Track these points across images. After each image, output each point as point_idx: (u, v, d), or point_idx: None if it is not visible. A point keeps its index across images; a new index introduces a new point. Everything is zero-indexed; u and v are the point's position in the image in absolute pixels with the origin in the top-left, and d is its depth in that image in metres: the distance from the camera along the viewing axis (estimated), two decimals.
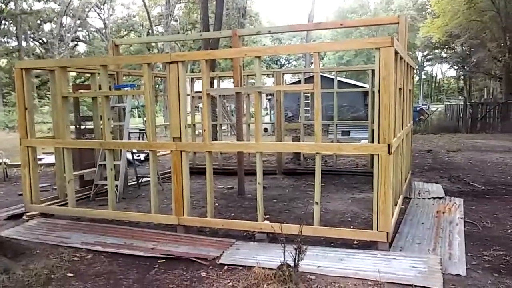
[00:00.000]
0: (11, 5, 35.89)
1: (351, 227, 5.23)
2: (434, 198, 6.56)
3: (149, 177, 7.31)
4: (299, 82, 21.77)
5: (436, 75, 64.72)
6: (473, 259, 4.15)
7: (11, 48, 38.58)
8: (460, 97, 42.26)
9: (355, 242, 4.65)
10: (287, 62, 57.88)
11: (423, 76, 56.92)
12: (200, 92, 9.46)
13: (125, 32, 43.78)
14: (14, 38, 38.10)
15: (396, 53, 4.53)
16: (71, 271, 4.11)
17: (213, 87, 9.36)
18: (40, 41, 40.19)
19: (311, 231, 4.59)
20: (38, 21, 38.19)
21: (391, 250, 4.36)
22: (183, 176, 5.08)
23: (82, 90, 7.59)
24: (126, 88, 7.34)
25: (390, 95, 4.26)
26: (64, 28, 37.84)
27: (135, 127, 10.87)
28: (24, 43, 37.61)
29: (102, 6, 41.79)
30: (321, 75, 4.89)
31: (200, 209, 6.23)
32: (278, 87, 8.54)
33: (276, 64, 54.62)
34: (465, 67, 37.48)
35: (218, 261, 4.22)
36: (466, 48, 33.87)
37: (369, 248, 4.44)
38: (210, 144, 5.13)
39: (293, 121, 20.19)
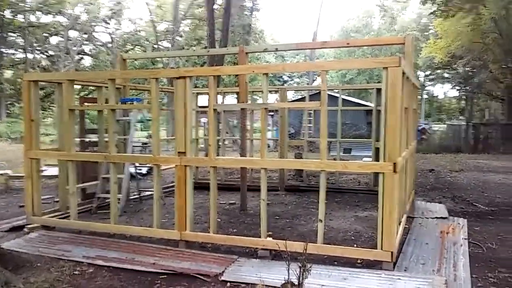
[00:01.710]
0: (19, 17, 36.40)
1: (355, 245, 5.19)
2: (437, 218, 6.52)
3: (150, 191, 7.29)
4: (302, 99, 21.89)
5: (438, 95, 64.99)
6: (479, 281, 4.11)
7: (17, 60, 38.98)
8: (461, 117, 42.35)
9: (358, 261, 4.61)
10: (289, 78, 58.23)
11: (425, 96, 57.17)
12: (203, 107, 9.55)
13: (131, 47, 44.19)
14: (20, 50, 38.52)
15: (403, 73, 4.57)
16: (72, 286, 4.07)
17: (217, 103, 9.41)
18: (46, 53, 40.59)
19: (315, 249, 4.55)
20: (45, 34, 38.66)
21: (395, 270, 4.32)
22: (187, 191, 5.07)
23: (88, 103, 7.63)
24: (132, 102, 7.37)
25: (397, 114, 4.28)
26: (71, 42, 38.27)
27: (138, 140, 10.90)
28: (30, 55, 38.00)
29: (109, 21, 42.31)
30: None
31: (202, 225, 6.20)
32: (283, 104, 8.59)
33: (279, 80, 54.93)
34: (467, 88, 37.66)
35: (220, 277, 4.18)
36: (468, 69, 34.09)
37: (373, 267, 4.40)
38: (215, 160, 5.14)
39: (296, 137, 20.21)
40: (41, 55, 40.75)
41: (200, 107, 9.91)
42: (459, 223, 6.20)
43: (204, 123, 15.93)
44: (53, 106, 28.69)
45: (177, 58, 32.01)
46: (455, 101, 57.09)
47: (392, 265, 4.33)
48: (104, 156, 5.89)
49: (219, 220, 6.40)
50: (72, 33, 39.03)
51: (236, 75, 7.72)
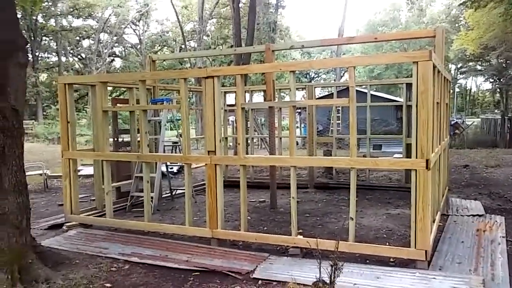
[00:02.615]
0: (52, 22, 37.66)
1: (387, 243, 5.11)
2: (473, 215, 6.33)
3: (182, 189, 7.40)
4: (330, 95, 21.70)
5: (471, 88, 63.02)
6: None
7: (51, 63, 40.39)
8: (496, 111, 40.87)
9: (391, 259, 4.55)
10: (316, 75, 57.77)
11: (457, 89, 55.53)
12: (231, 105, 9.62)
13: (159, 47, 44.99)
14: (54, 53, 39.90)
15: (434, 67, 4.47)
16: (109, 282, 4.21)
17: (245, 101, 9.46)
18: (79, 56, 41.89)
19: (346, 247, 4.52)
20: (77, 37, 39.88)
21: (430, 269, 4.23)
22: (217, 189, 5.13)
23: (120, 104, 7.83)
24: (162, 102, 7.52)
25: (428, 109, 4.19)
26: (102, 44, 39.33)
27: (168, 140, 11.09)
28: (63, 59, 39.29)
29: (137, 23, 43.21)
30: None
31: (232, 222, 6.27)
32: (311, 101, 8.54)
33: (306, 77, 54.59)
34: (501, 80, 36.34)
35: (252, 275, 4.22)
36: (502, 60, 32.88)
37: (407, 266, 4.34)
38: (244, 158, 5.17)
39: (323, 134, 20.06)
40: (74, 58, 42.08)
41: (228, 105, 10.00)
42: (496, 221, 6.01)
43: (233, 121, 16.05)
44: (87, 108, 29.55)
45: (204, 58, 32.34)
46: (489, 94, 55.19)
47: (426, 264, 4.25)
48: (136, 156, 6.04)
49: (250, 218, 6.44)
50: (103, 36, 40.11)
51: (263, 73, 7.74)
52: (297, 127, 26.15)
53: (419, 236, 4.23)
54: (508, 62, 31.85)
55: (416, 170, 4.25)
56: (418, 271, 4.16)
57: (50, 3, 35.51)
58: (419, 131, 4.22)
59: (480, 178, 9.96)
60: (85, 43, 41.91)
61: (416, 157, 4.25)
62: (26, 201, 4.39)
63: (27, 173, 4.68)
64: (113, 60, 45.12)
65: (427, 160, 4.18)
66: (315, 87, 9.63)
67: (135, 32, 44.23)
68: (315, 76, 57.37)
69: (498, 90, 43.67)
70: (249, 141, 9.86)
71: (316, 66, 10.92)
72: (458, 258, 4.54)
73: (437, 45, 6.21)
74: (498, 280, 3.94)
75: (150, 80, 7.68)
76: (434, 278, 3.96)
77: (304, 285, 3.80)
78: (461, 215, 6.36)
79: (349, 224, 4.67)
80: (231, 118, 16.24)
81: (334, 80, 39.27)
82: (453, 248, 4.87)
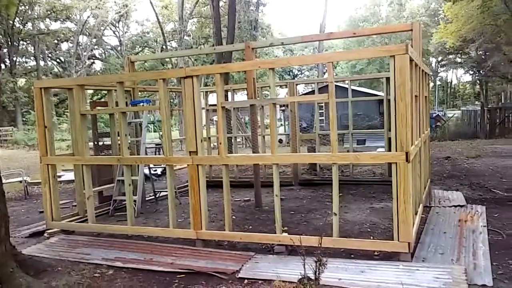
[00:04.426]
0: (29, 25, 36.95)
1: (371, 237, 5.15)
2: (455, 206, 6.42)
3: (166, 191, 7.35)
4: (312, 92, 21.77)
5: (451, 81, 64.05)
6: (499, 269, 4.04)
7: (29, 68, 39.64)
8: (476, 102, 41.64)
9: (375, 253, 4.58)
10: (299, 72, 57.99)
11: (438, 82, 56.35)
12: (214, 105, 9.58)
13: (140, 49, 44.54)
14: (32, 58, 39.16)
15: (411, 60, 4.50)
16: None
17: (227, 100, 9.43)
18: (58, 60, 41.20)
19: (331, 242, 4.54)
20: (56, 41, 39.21)
21: (413, 261, 4.27)
22: (200, 190, 5.09)
23: (99, 107, 7.71)
24: (142, 104, 7.43)
25: (406, 103, 4.22)
26: (81, 47, 38.76)
27: (151, 141, 10.98)
28: (42, 63, 38.59)
29: (117, 24, 42.71)
30: (335, 85, 4.89)
31: (218, 223, 6.23)
32: (292, 98, 8.55)
33: (289, 74, 54.73)
34: (481, 72, 37.00)
35: (237, 275, 4.20)
36: (481, 52, 33.46)
37: (391, 259, 4.37)
38: (226, 157, 5.14)
39: (308, 131, 20.13)
40: (53, 61, 41.38)
41: (211, 105, 9.94)
42: (477, 211, 6.11)
43: (216, 121, 16.02)
44: (67, 112, 29.16)
45: (187, 58, 32.14)
46: (469, 86, 56.14)
47: (409, 256, 4.29)
48: (117, 159, 5.95)
49: (235, 217, 6.42)
50: (82, 38, 39.53)
51: (245, 72, 7.74)
52: (281, 124, 26.22)
53: (401, 228, 4.26)
54: (487, 53, 32.38)
55: (396, 163, 4.28)
56: (402, 263, 4.20)
57: (27, 7, 34.87)
58: (398, 125, 4.25)
59: (461, 169, 10.13)
60: (64, 46, 41.29)
61: (396, 150, 4.28)
62: (4, 209, 4.29)
63: (7, 181, 4.57)
64: (93, 62, 44.53)
65: (406, 153, 4.22)
66: (296, 84, 9.65)
67: (115, 33, 43.74)
68: (298, 73, 57.58)
69: (478, 81, 44.43)
70: (232, 140, 9.83)
71: (294, 63, 10.98)
72: (441, 249, 4.60)
73: (414, 39, 6.26)
74: (480, 269, 4.00)
75: (129, 82, 7.58)
76: (417, 269, 4.00)
77: (289, 282, 3.79)
78: (443, 206, 6.44)
79: (333, 220, 4.69)
80: (215, 117, 16.19)
81: (318, 77, 39.49)
82: (436, 239, 4.92)
